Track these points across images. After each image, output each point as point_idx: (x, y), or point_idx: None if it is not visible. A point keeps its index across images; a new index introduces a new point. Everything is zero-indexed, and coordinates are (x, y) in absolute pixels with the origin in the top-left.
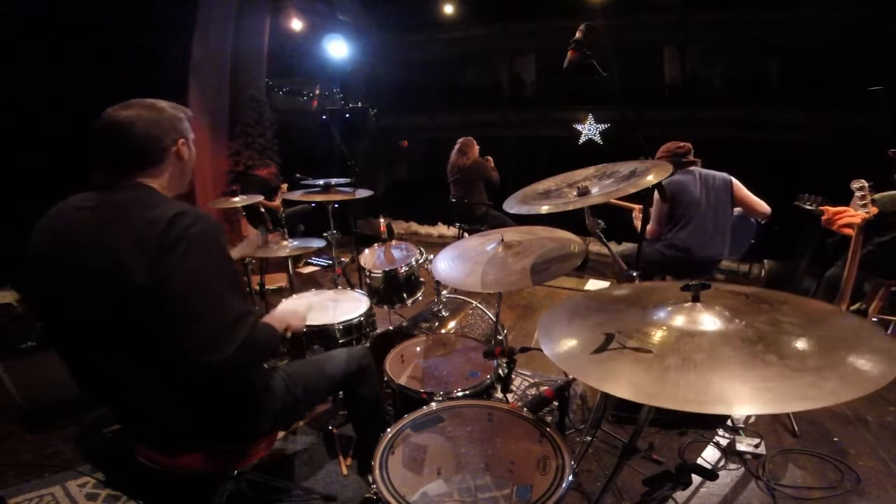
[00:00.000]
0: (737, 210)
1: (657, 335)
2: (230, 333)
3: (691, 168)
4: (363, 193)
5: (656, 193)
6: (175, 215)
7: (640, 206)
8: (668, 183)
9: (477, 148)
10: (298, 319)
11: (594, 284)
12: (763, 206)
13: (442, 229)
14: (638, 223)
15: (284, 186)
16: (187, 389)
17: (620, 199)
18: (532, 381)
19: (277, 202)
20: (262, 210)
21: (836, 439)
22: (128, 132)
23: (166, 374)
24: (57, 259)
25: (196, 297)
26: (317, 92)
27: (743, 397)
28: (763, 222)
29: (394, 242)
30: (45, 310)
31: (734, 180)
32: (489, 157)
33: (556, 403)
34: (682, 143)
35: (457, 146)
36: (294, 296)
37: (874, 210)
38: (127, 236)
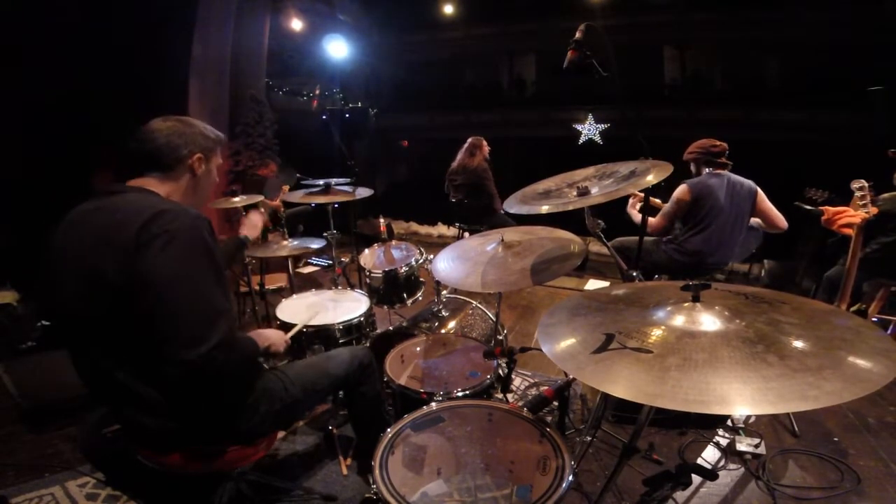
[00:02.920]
0: (754, 221)
1: (657, 335)
2: (209, 329)
3: (721, 172)
4: (363, 193)
5: (677, 191)
6: (158, 212)
7: (640, 195)
8: (696, 183)
9: (487, 149)
10: (280, 341)
11: (594, 284)
12: (782, 220)
13: (442, 229)
14: (633, 211)
15: (286, 188)
16: (181, 387)
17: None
18: (532, 381)
19: (278, 202)
20: (262, 210)
21: (836, 439)
22: (152, 135)
23: (157, 372)
24: (58, 259)
25: (175, 292)
26: (317, 92)
27: (744, 397)
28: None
29: (394, 242)
30: (48, 307)
31: (759, 190)
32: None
33: (556, 403)
34: (717, 143)
35: (465, 146)
36: (294, 296)
37: (874, 210)
38: (109, 236)
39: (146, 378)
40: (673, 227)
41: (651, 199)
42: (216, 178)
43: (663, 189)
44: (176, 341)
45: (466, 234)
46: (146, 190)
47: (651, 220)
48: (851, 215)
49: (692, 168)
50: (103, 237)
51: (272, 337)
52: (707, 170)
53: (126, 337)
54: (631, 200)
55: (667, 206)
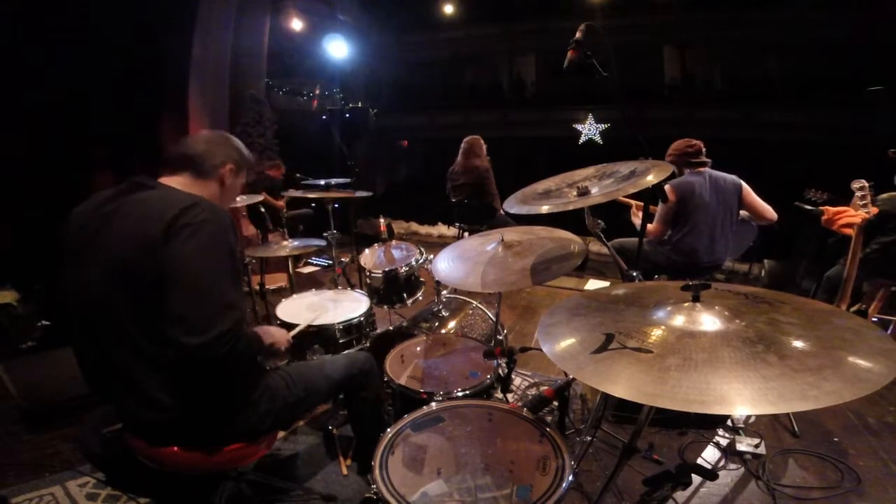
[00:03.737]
0: (743, 214)
1: (657, 335)
2: (215, 319)
3: (701, 169)
4: (363, 193)
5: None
6: (188, 205)
7: (640, 204)
8: (678, 184)
9: (485, 147)
10: (283, 339)
11: (594, 284)
12: (770, 211)
13: (442, 229)
14: (636, 220)
15: (291, 191)
16: (186, 377)
17: (625, 197)
18: (532, 381)
19: (282, 202)
20: (262, 210)
21: (836, 439)
22: (195, 140)
23: (164, 363)
24: (83, 249)
25: (190, 278)
26: (317, 92)
27: (744, 397)
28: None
29: (394, 242)
30: (65, 290)
31: (744, 184)
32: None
33: (556, 403)
34: (692, 142)
35: (464, 146)
36: (294, 295)
37: (874, 210)
38: (144, 223)
39: (158, 370)
40: (668, 230)
41: (651, 206)
42: (239, 194)
43: (662, 194)
44: (180, 326)
45: (466, 234)
46: (174, 188)
47: (649, 226)
48: (852, 215)
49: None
50: (133, 229)
51: (276, 335)
52: (687, 170)
53: (144, 327)
54: (633, 209)
55: (658, 210)
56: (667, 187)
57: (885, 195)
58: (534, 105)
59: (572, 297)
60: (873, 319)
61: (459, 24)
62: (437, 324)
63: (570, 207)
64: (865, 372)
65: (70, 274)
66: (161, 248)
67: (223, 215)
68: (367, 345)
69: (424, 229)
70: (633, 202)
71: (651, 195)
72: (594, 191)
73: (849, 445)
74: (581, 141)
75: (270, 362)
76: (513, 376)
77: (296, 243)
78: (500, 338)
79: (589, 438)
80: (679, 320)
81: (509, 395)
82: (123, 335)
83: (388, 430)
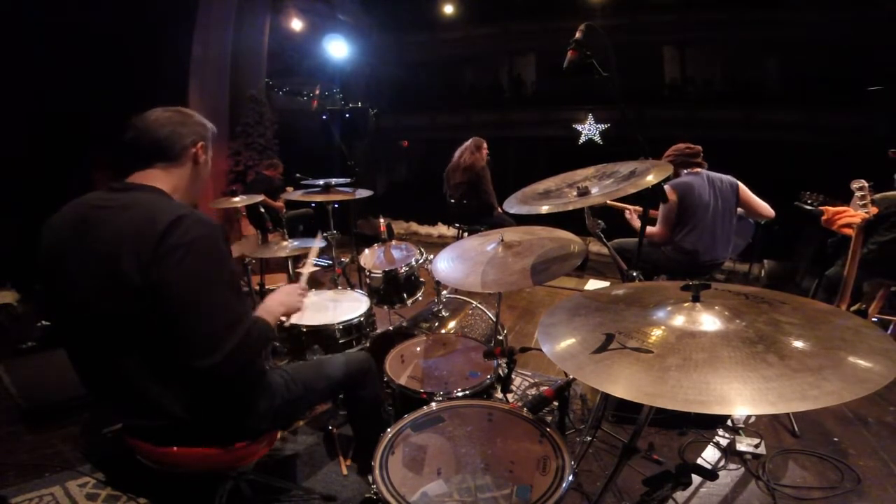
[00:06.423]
0: (740, 211)
1: (657, 335)
2: (221, 339)
3: (698, 170)
4: (363, 193)
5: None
6: (175, 220)
7: (633, 208)
8: (677, 184)
9: (486, 150)
10: (295, 301)
11: (594, 284)
12: (767, 208)
13: (442, 229)
14: (634, 222)
15: (290, 189)
16: (187, 386)
17: (619, 199)
18: (532, 381)
19: (281, 203)
20: (262, 210)
21: (836, 439)
22: (155, 124)
23: (165, 371)
24: (69, 254)
25: (191, 303)
26: (317, 92)
27: (744, 397)
28: (763, 223)
29: (394, 242)
30: (54, 303)
31: (740, 184)
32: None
33: (556, 403)
34: (693, 146)
35: (468, 144)
36: None
37: (874, 210)
38: (129, 237)
39: (156, 375)
40: (672, 231)
41: (652, 210)
42: (211, 167)
43: (663, 195)
44: (190, 350)
45: (465, 234)
46: (155, 189)
47: (652, 229)
48: (851, 215)
49: None
50: (122, 239)
51: (285, 302)
52: (684, 171)
53: (141, 334)
54: (628, 213)
55: (660, 212)
56: (666, 188)
57: (878, 195)
58: (534, 105)
59: (572, 297)
60: (873, 319)
61: (459, 24)
62: (437, 324)
63: (570, 207)
64: (865, 372)
65: (61, 286)
66: (153, 263)
67: (211, 226)
68: (367, 345)
69: (424, 229)
70: (625, 206)
71: (651, 197)
72: (594, 191)
73: (849, 445)
74: (581, 141)
75: (270, 362)
76: (513, 376)
77: (295, 243)
78: (500, 338)
79: (589, 438)
80: (679, 320)
81: (509, 395)
82: (123, 343)
83: (388, 430)
